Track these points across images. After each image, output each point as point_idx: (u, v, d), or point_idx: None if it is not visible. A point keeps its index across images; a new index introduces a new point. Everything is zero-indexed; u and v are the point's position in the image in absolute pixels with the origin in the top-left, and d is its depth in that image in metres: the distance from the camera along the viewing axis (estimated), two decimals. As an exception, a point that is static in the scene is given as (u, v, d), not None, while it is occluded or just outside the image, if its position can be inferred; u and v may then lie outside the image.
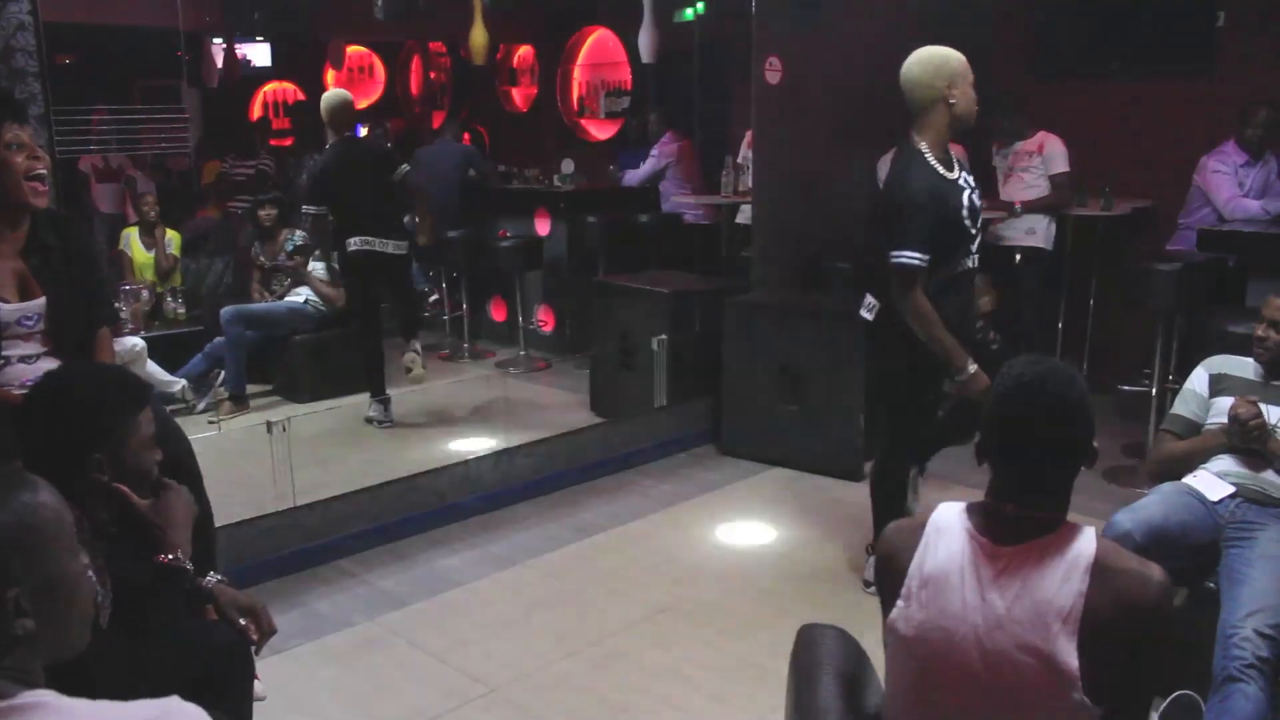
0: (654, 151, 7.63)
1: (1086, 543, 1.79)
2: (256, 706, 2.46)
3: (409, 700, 3.30)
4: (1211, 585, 2.91)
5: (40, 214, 2.74)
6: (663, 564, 4.28)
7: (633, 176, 7.80)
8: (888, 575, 1.95)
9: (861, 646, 2.13)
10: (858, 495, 4.96)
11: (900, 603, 1.88)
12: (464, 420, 5.81)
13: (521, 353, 7.36)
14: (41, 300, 2.76)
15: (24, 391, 2.46)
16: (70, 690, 1.34)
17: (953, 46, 3.66)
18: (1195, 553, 2.94)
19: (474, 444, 5.31)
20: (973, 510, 1.89)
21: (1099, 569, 1.76)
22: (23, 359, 2.75)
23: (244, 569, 3.85)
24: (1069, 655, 1.73)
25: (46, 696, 1.31)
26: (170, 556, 2.18)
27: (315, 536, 4.27)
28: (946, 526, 1.89)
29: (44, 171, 2.70)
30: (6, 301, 2.71)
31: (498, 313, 7.95)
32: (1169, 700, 2.81)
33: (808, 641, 2.12)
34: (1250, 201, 5.40)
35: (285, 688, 3.28)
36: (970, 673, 1.80)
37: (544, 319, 7.63)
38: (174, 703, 1.37)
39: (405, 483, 4.60)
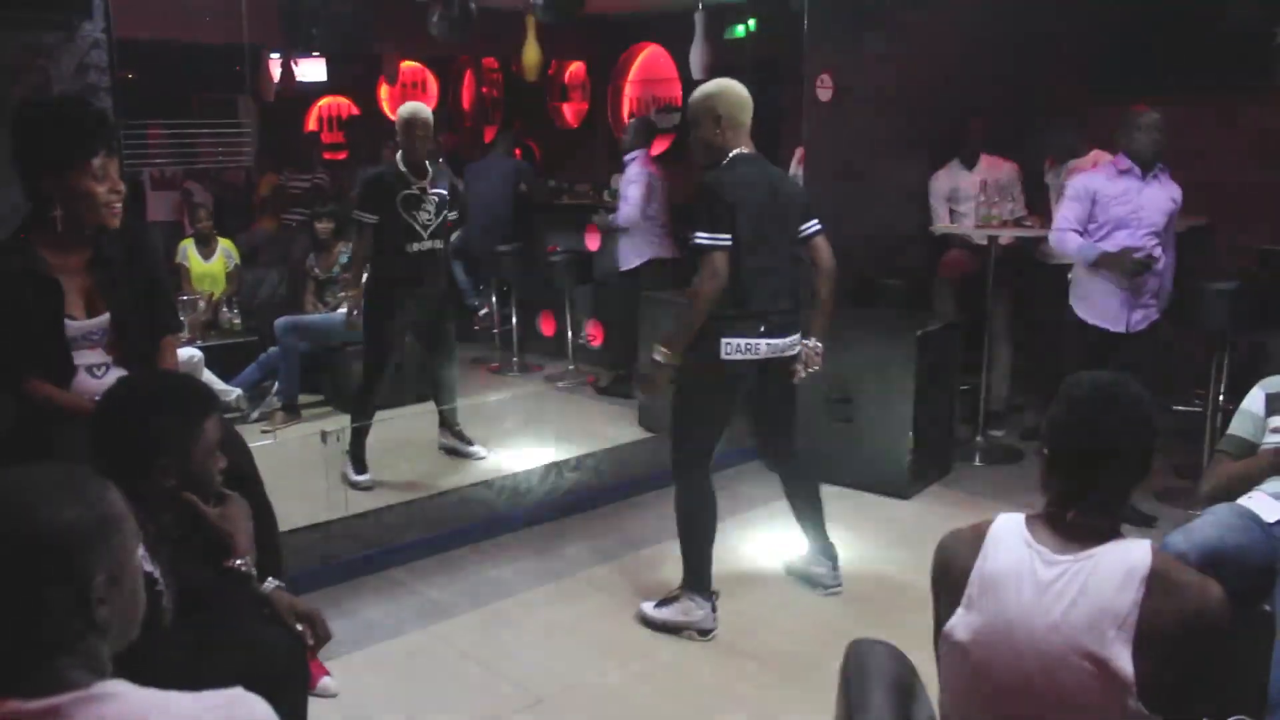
0: (634, 174, 6.66)
1: (1142, 553, 1.82)
2: (320, 705, 2.50)
3: (458, 709, 3.33)
4: (1268, 609, 2.88)
5: (107, 228, 2.82)
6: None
7: (626, 214, 6.63)
8: (943, 583, 1.98)
9: (911, 661, 2.13)
10: (906, 513, 4.96)
11: (960, 609, 1.91)
12: (513, 434, 5.84)
13: (570, 367, 7.40)
14: (106, 316, 2.84)
15: (94, 401, 2.52)
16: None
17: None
18: (1251, 575, 2.90)
19: (523, 457, 5.34)
20: (1032, 521, 1.94)
21: (1157, 580, 1.78)
22: (90, 369, 2.83)
23: (296, 576, 3.88)
24: (1124, 661, 1.75)
25: (119, 686, 1.36)
26: (239, 561, 2.23)
27: (367, 545, 4.32)
28: (1005, 536, 1.93)
29: (120, 200, 2.79)
30: (74, 319, 2.79)
31: (547, 327, 7.99)
32: (1224, 724, 2.78)
33: (857, 656, 2.12)
34: (1072, 239, 4.91)
35: (336, 695, 3.33)
36: (1026, 677, 1.82)
37: (593, 334, 7.66)
38: (239, 693, 1.42)
39: (456, 494, 4.66)
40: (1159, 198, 4.84)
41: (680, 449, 3.94)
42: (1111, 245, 4.81)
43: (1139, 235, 4.79)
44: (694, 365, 3.81)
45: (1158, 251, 4.83)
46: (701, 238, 3.67)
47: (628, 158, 6.77)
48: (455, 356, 5.59)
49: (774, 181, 3.93)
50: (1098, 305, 4.94)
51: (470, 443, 5.57)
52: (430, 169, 5.17)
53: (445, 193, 5.21)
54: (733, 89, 3.93)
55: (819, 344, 4.02)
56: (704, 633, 3.83)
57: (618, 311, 7.00)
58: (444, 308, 5.49)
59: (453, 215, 5.30)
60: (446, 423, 5.58)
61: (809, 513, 4.28)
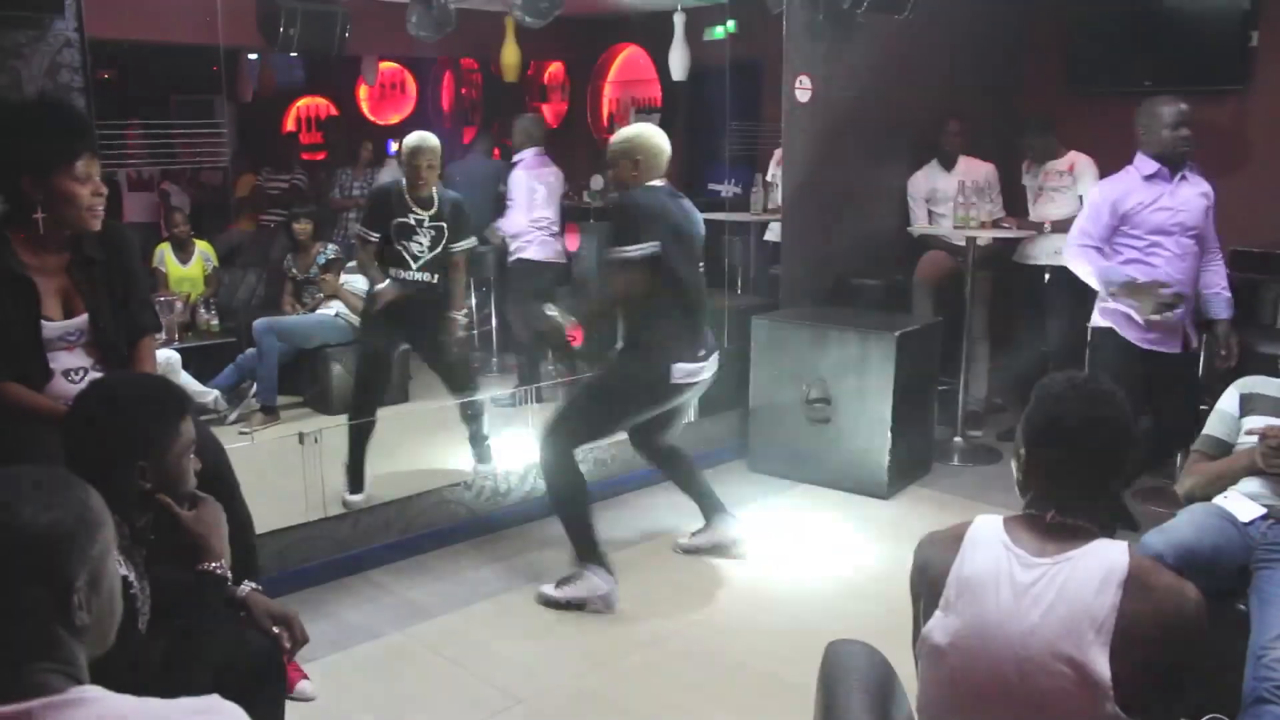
0: (516, 177, 6.60)
1: (1120, 556, 1.83)
2: (298, 709, 2.49)
3: (437, 712, 3.32)
4: (1242, 607, 2.90)
5: (88, 231, 2.80)
6: (690, 579, 4.29)
7: (508, 219, 6.63)
8: (922, 585, 1.98)
9: (890, 662, 2.13)
10: (885, 513, 4.98)
11: (938, 613, 1.91)
12: (492, 434, 5.82)
13: (549, 368, 7.38)
14: (84, 317, 2.82)
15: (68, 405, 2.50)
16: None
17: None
18: (1226, 574, 2.93)
19: (502, 458, 5.32)
20: (1010, 523, 1.94)
21: (1134, 583, 1.79)
22: (67, 374, 2.80)
23: (274, 579, 3.88)
24: (1102, 665, 1.75)
25: (94, 692, 1.34)
26: (213, 565, 2.22)
27: (345, 547, 4.31)
28: (983, 538, 1.93)
29: (102, 202, 2.77)
30: (50, 319, 2.77)
31: (526, 327, 7.97)
32: (1199, 723, 2.79)
33: (835, 657, 2.13)
34: (1091, 257, 4.39)
35: (314, 698, 3.32)
36: (1004, 681, 1.82)
37: (572, 334, 7.64)
38: (215, 700, 1.41)
39: (434, 495, 4.64)
40: (1192, 197, 4.37)
41: (570, 434, 4.09)
42: (1159, 258, 4.32)
43: (1182, 241, 4.35)
44: (636, 375, 4.02)
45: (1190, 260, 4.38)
46: (627, 251, 3.85)
47: (515, 159, 6.73)
48: (473, 389, 5.27)
49: (686, 209, 4.12)
50: (1157, 326, 4.34)
51: (488, 461, 5.22)
52: (436, 201, 5.00)
53: (446, 225, 5.00)
54: (652, 134, 4.12)
55: None
56: (608, 605, 3.97)
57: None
58: (442, 342, 5.21)
59: (466, 244, 5.10)
60: (475, 446, 5.23)
61: (698, 486, 4.48)
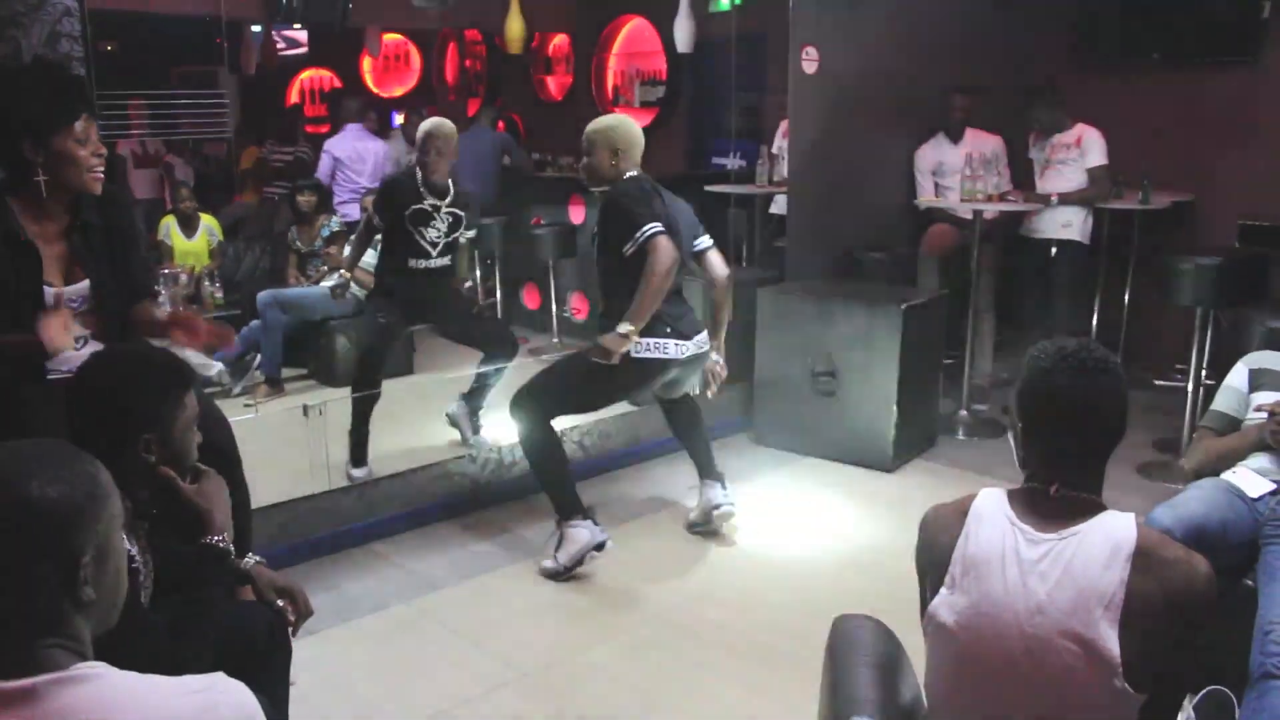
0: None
1: (1128, 530, 1.81)
2: (304, 680, 2.49)
3: (441, 683, 3.32)
4: (1249, 583, 2.89)
5: (84, 194, 2.78)
6: (695, 553, 4.29)
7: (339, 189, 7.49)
8: (927, 562, 1.97)
9: (897, 637, 2.13)
10: (890, 487, 4.97)
11: (944, 590, 1.90)
12: (497, 407, 5.81)
13: (554, 340, 7.38)
14: (85, 283, 2.80)
15: (70, 374, 2.49)
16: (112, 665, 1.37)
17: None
18: (1234, 550, 2.92)
19: (507, 431, 5.30)
20: (1014, 496, 1.92)
21: (1143, 557, 1.77)
22: None
23: (278, 551, 3.89)
24: (1110, 642, 1.74)
25: (99, 668, 1.33)
26: (216, 538, 2.21)
27: (350, 519, 4.31)
28: (988, 513, 1.91)
29: (102, 164, 2.75)
30: (52, 285, 2.75)
31: (531, 300, 7.97)
32: (1201, 695, 2.79)
33: (843, 632, 2.11)
34: None
35: (318, 669, 3.32)
36: (1012, 659, 1.81)
37: (577, 307, 7.64)
38: (220, 678, 1.40)
39: (439, 467, 4.64)
40: None
41: (542, 402, 4.12)
42: None
43: None
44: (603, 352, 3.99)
45: None
46: (644, 230, 3.85)
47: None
48: (515, 347, 5.32)
49: (667, 200, 4.13)
50: None
51: (477, 431, 5.26)
52: (452, 190, 4.98)
53: (462, 213, 4.99)
54: (630, 125, 4.18)
55: (720, 359, 4.35)
56: (599, 546, 4.02)
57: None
58: (469, 312, 5.38)
59: (469, 234, 5.12)
60: (472, 401, 5.27)
61: (696, 443, 4.48)
